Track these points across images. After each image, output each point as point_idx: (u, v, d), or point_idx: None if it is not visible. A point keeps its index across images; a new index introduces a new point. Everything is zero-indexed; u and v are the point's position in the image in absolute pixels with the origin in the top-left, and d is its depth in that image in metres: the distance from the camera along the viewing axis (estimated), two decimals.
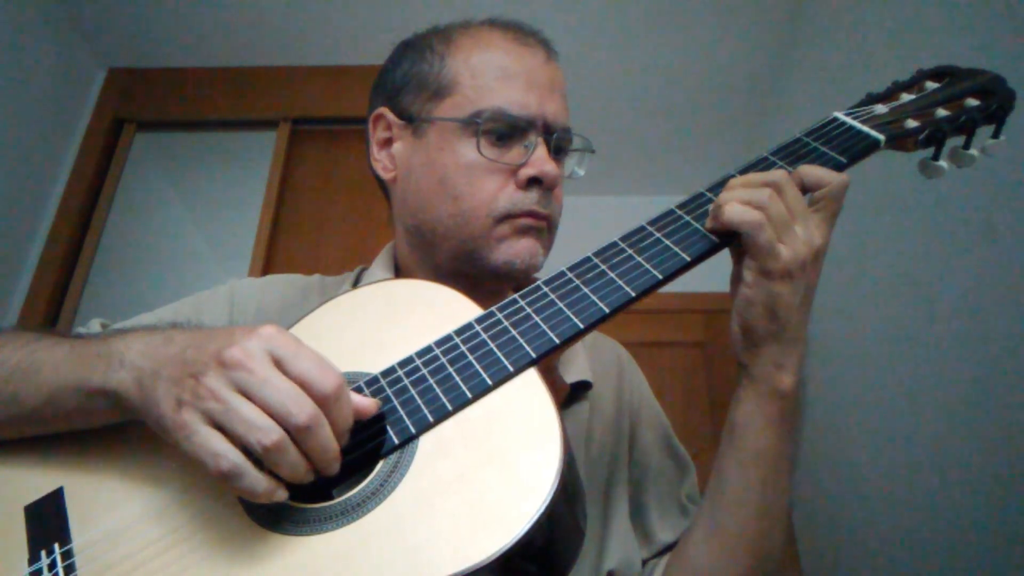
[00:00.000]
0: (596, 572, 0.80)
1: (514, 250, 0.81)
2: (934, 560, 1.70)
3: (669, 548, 0.85)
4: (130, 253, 2.50)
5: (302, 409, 0.53)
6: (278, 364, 0.55)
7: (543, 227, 0.83)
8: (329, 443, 0.55)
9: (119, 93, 2.70)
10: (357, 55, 2.58)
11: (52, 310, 2.33)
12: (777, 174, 0.66)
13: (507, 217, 0.81)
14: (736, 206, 0.64)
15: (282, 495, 0.54)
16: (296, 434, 0.53)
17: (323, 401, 0.54)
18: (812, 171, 0.69)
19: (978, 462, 1.56)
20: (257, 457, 0.53)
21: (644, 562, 0.86)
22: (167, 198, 2.64)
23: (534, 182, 0.81)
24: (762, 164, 0.72)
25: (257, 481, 0.53)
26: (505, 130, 0.81)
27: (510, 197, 0.81)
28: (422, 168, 0.85)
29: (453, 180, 0.82)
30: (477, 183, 0.81)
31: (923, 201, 1.80)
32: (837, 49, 2.29)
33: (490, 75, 0.83)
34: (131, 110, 2.68)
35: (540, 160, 0.81)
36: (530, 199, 0.81)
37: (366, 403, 0.59)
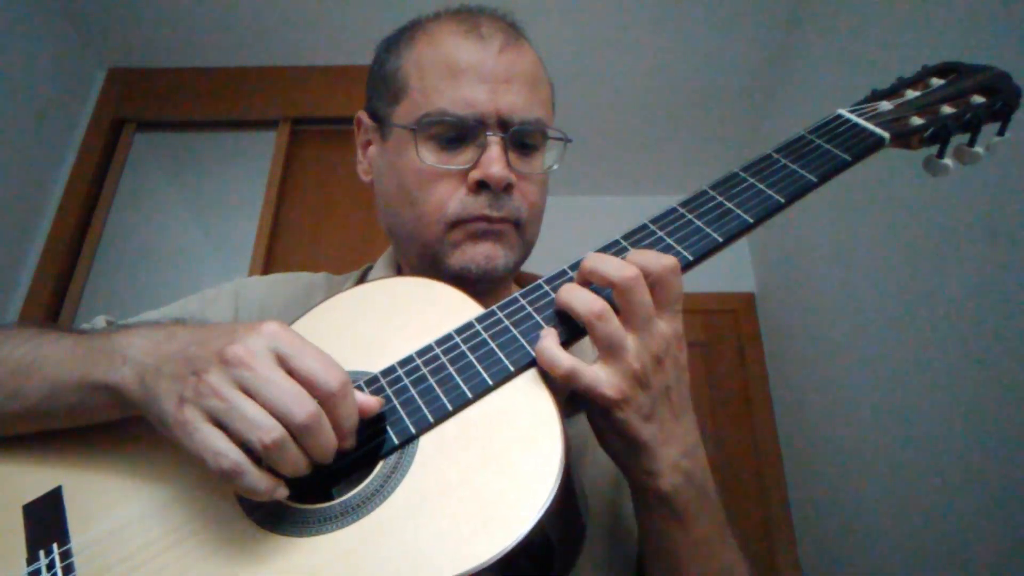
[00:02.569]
0: None
1: (468, 255, 0.79)
2: (933, 560, 1.70)
3: None
4: (130, 253, 2.50)
5: (303, 408, 0.52)
6: (281, 362, 0.55)
7: (501, 230, 0.80)
8: (328, 440, 0.54)
9: (119, 93, 2.71)
10: (357, 55, 2.57)
11: (52, 310, 2.34)
12: (617, 278, 0.59)
13: (459, 223, 0.78)
14: (553, 346, 0.60)
15: (283, 493, 0.54)
16: (296, 432, 0.53)
17: (327, 399, 0.54)
18: (640, 257, 0.61)
19: (978, 462, 1.56)
20: (257, 455, 0.53)
21: None
22: (167, 198, 2.64)
23: (484, 185, 0.78)
24: (766, 163, 0.71)
25: (258, 480, 0.52)
26: (452, 132, 0.78)
27: (460, 202, 0.78)
28: (387, 172, 0.84)
29: (409, 186, 0.80)
30: (428, 189, 0.79)
31: (924, 201, 1.79)
32: (838, 48, 2.29)
33: (436, 74, 0.80)
34: (131, 110, 2.69)
35: (488, 161, 0.77)
36: (480, 203, 0.78)
37: (369, 401, 0.58)
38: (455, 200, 0.78)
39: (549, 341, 0.60)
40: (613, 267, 0.60)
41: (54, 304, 2.35)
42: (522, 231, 0.82)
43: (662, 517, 0.64)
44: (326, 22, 2.57)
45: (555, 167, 0.87)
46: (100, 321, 0.86)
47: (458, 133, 0.78)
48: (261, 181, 2.51)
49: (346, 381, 0.55)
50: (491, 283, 0.81)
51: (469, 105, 0.77)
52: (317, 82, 2.67)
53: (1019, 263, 1.45)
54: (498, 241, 0.79)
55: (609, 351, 0.59)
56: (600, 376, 0.59)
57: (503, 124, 0.79)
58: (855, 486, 2.13)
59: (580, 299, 0.60)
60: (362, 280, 0.94)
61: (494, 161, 0.77)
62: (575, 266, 0.67)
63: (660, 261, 0.60)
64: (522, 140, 0.81)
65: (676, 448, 0.62)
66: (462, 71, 0.79)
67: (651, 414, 0.60)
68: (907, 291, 1.87)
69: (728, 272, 2.98)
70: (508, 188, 0.79)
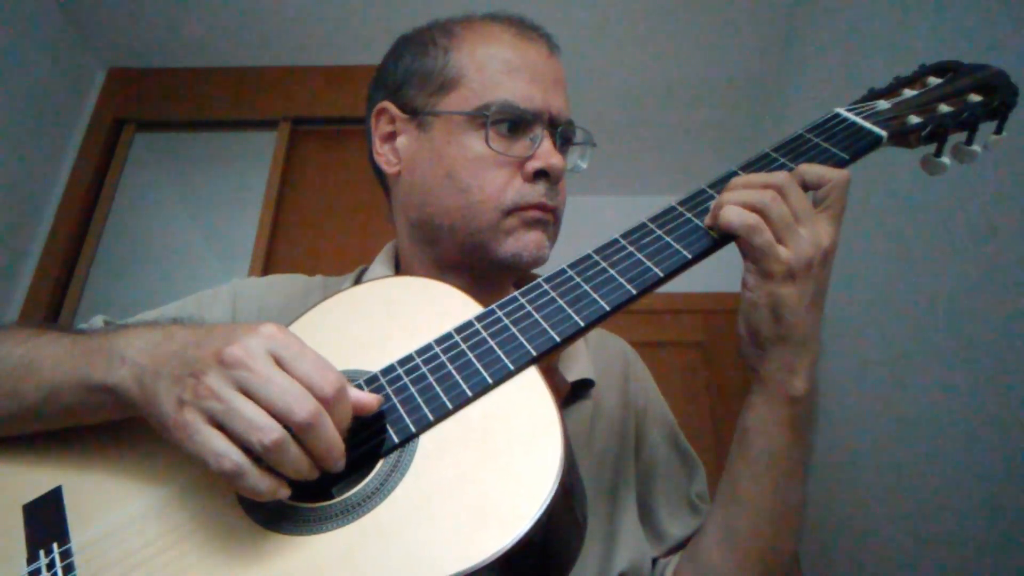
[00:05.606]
0: (604, 573, 0.80)
1: (522, 243, 0.81)
2: (934, 561, 1.70)
3: (680, 545, 0.85)
4: (130, 253, 2.50)
5: (303, 407, 0.53)
6: (279, 363, 0.55)
7: (550, 220, 0.84)
8: (333, 439, 0.54)
9: (119, 93, 2.70)
10: (357, 55, 2.58)
11: (52, 310, 2.33)
12: (780, 175, 0.65)
13: (515, 210, 0.81)
14: (734, 209, 0.64)
15: (284, 493, 0.54)
16: (298, 431, 0.53)
17: (323, 401, 0.54)
18: (812, 169, 0.68)
19: (978, 462, 1.56)
20: (259, 456, 0.53)
21: (655, 561, 0.85)
22: (167, 198, 2.64)
23: (541, 175, 0.82)
24: (764, 160, 0.72)
25: (259, 480, 0.53)
26: (512, 123, 0.81)
27: (518, 190, 0.81)
28: (428, 162, 0.85)
29: (460, 173, 0.82)
30: (485, 176, 0.81)
31: (923, 200, 1.79)
32: (837, 48, 2.29)
33: (496, 68, 0.83)
34: (131, 110, 2.68)
35: (546, 153, 0.81)
36: (537, 192, 0.81)
37: (368, 399, 0.59)
38: (513, 188, 0.81)
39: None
40: (763, 174, 0.67)
41: (54, 304, 2.34)
42: (557, 224, 0.86)
43: (786, 420, 0.67)
44: (326, 22, 2.57)
45: (584, 166, 0.92)
46: (98, 321, 0.86)
47: (516, 125, 0.82)
48: (261, 181, 2.50)
49: (341, 386, 0.55)
50: (526, 276, 0.85)
51: (529, 100, 0.82)
52: (317, 82, 2.67)
53: (1020, 262, 1.45)
54: (545, 231, 0.83)
55: (784, 231, 0.63)
56: (780, 247, 0.63)
57: (552, 121, 0.83)
58: (854, 485, 2.13)
59: (746, 196, 0.64)
60: (359, 282, 0.94)
61: (553, 152, 0.82)
62: (574, 264, 0.68)
63: (816, 167, 0.67)
64: (563, 138, 0.86)
65: (813, 352, 0.66)
66: (519, 68, 0.83)
67: (811, 304, 0.64)
68: (906, 289, 1.87)
69: (728, 272, 2.95)
70: (558, 180, 0.83)
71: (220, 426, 0.53)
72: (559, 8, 2.45)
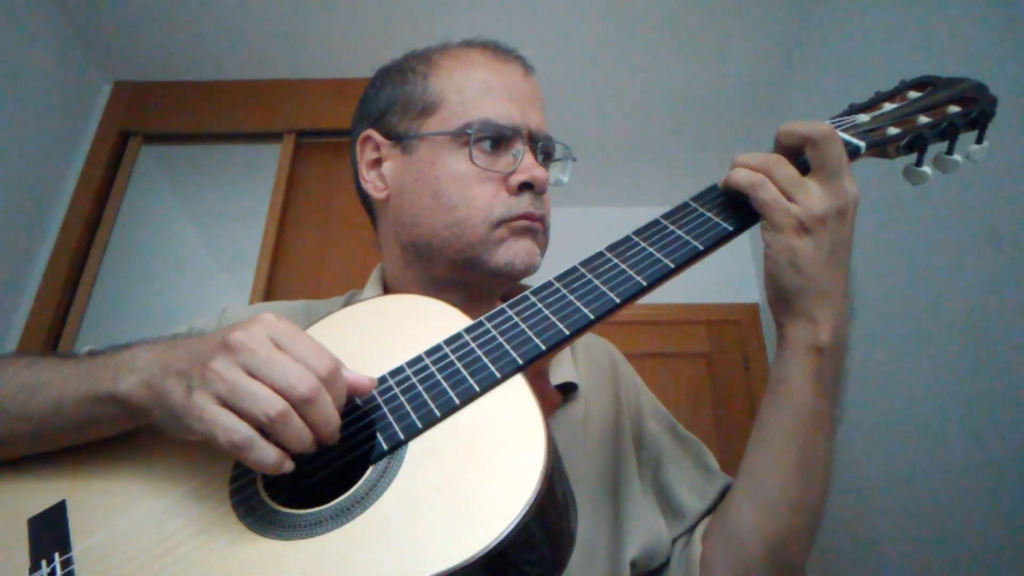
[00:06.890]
0: (614, 564, 0.81)
1: (513, 251, 0.83)
2: (936, 562, 1.70)
3: (704, 518, 0.86)
4: (135, 265, 2.52)
5: (303, 382, 0.56)
6: (279, 348, 0.58)
7: (538, 228, 0.86)
8: (330, 414, 0.58)
9: (125, 106, 2.73)
10: (362, 68, 2.58)
11: (57, 321, 2.35)
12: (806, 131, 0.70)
13: (504, 221, 0.83)
14: (741, 170, 0.70)
15: (289, 466, 0.57)
16: (299, 406, 0.56)
17: (321, 380, 0.57)
18: (789, 127, 0.72)
19: (981, 467, 1.56)
20: (264, 430, 0.56)
21: (675, 540, 0.86)
22: (172, 210, 2.66)
23: (525, 187, 0.84)
24: None
25: (267, 452, 0.56)
26: (494, 140, 0.84)
27: (505, 202, 0.83)
28: (414, 184, 0.87)
29: (447, 192, 0.84)
30: (471, 192, 0.83)
31: (928, 209, 1.80)
32: (836, 63, 2.30)
33: (474, 89, 0.86)
34: (137, 123, 2.71)
35: (529, 166, 0.84)
36: (524, 203, 0.84)
37: (362, 379, 0.62)
38: (499, 201, 0.83)
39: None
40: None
41: (59, 315, 2.36)
42: (546, 233, 0.88)
43: (810, 372, 0.70)
44: (331, 35, 2.59)
45: (566, 180, 0.95)
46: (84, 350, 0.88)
47: (497, 142, 0.84)
48: (266, 193, 2.53)
49: (336, 367, 0.59)
50: (517, 288, 0.86)
51: (508, 117, 0.85)
52: (321, 95, 2.69)
53: (1021, 266, 1.46)
54: (535, 239, 0.85)
55: (791, 187, 0.68)
56: (788, 202, 0.68)
57: (531, 137, 0.86)
58: (858, 494, 2.13)
59: (752, 160, 0.70)
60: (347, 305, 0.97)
61: (535, 165, 0.84)
62: (561, 277, 0.70)
63: (814, 125, 0.70)
64: (544, 152, 0.89)
65: (837, 306, 0.69)
66: (497, 88, 0.86)
67: (829, 258, 0.67)
68: (910, 298, 1.87)
69: (732, 283, 2.97)
70: (542, 191, 0.86)
71: (227, 405, 0.56)
72: (561, 22, 2.46)
